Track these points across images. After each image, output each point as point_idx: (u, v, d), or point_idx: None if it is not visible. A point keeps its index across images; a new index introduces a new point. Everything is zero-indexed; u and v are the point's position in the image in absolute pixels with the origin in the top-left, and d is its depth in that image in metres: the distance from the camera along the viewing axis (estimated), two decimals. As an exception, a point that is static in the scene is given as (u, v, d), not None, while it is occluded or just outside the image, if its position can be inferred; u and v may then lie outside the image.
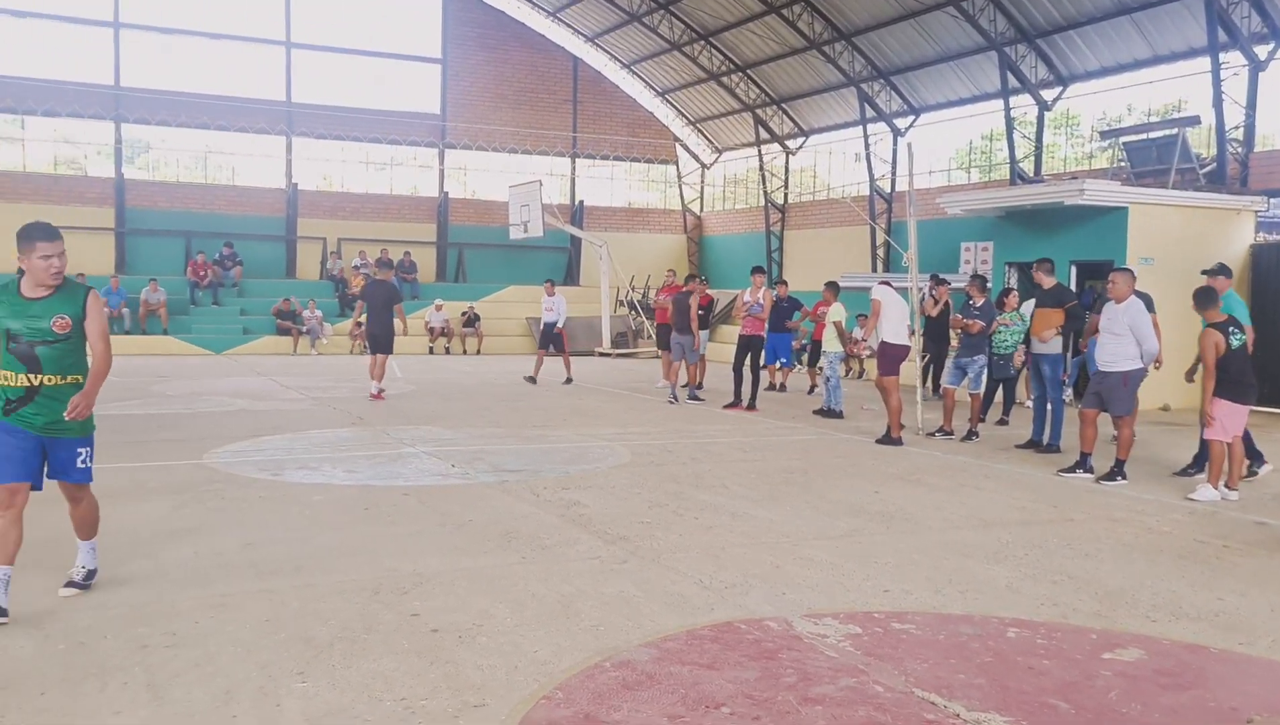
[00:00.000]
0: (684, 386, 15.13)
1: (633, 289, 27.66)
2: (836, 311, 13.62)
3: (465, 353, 24.90)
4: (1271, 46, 16.81)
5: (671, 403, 14.41)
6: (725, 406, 13.92)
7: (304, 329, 23.55)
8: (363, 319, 15.74)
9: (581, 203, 30.27)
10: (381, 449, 9.89)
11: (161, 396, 14.11)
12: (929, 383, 14.76)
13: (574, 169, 30.98)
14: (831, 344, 13.57)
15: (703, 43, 27.26)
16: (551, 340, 17.06)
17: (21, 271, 4.73)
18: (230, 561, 5.74)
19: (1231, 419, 8.19)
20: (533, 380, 16.73)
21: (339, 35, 27.63)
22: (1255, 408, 8.77)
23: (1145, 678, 4.27)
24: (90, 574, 5.14)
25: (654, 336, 18.46)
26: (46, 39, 24.89)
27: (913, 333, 11.60)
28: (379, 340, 14.26)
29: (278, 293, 24.80)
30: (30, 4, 24.60)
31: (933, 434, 11.59)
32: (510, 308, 26.98)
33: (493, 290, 27.55)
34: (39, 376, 4.64)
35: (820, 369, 15.49)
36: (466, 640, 4.51)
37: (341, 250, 27.11)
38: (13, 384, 4.63)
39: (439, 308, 24.89)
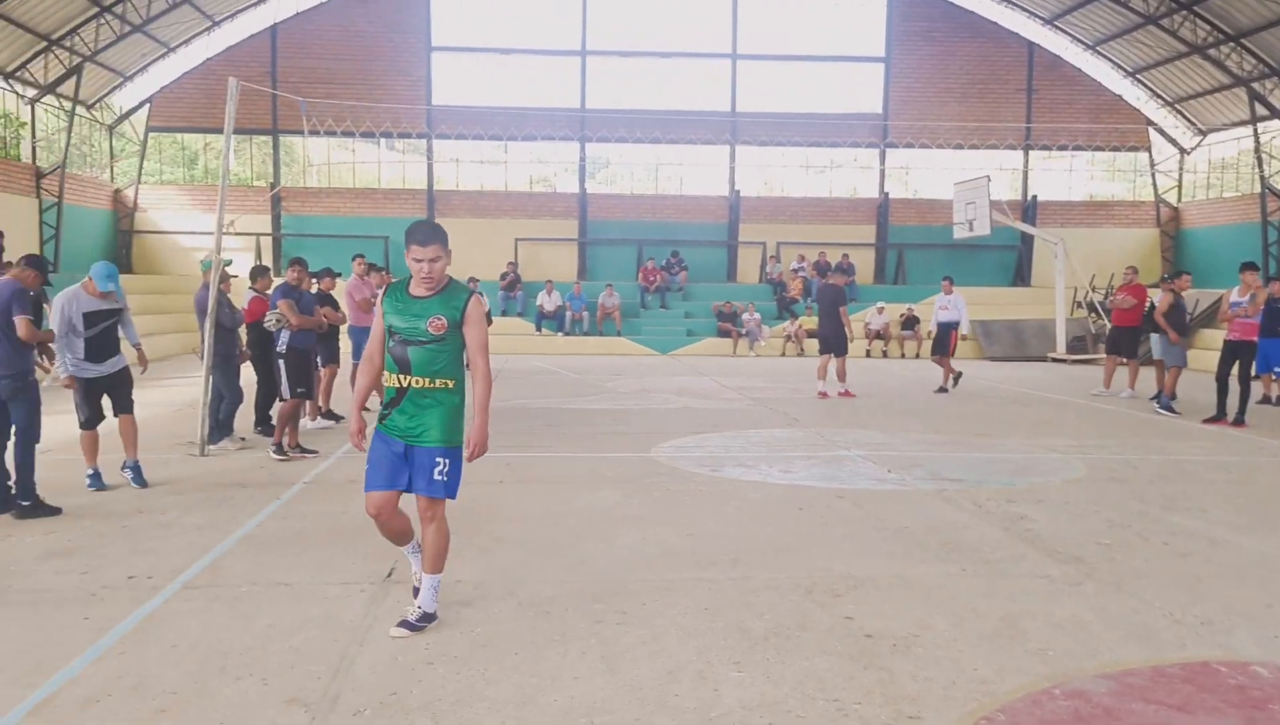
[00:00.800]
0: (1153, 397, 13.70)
1: (1093, 289, 25.46)
2: None
3: (903, 356, 24.42)
4: None
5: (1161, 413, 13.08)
6: (1205, 421, 12.30)
7: (743, 331, 24.45)
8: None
9: (1034, 198, 28.44)
10: (817, 450, 9.93)
11: (614, 393, 15.31)
12: None
13: (1026, 162, 29.19)
14: None
15: (1184, 13, 24.37)
16: (942, 344, 16.02)
17: None
18: (673, 549, 6.04)
19: None
20: (943, 390, 15.77)
21: (782, 43, 28.35)
22: None
23: None
24: (427, 618, 4.55)
25: (1107, 339, 16.79)
26: (525, 72, 28.13)
27: None
28: (827, 341, 14.66)
29: (719, 297, 26.01)
30: (514, 42, 27.93)
31: None
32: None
33: (934, 292, 26.68)
34: (408, 377, 4.40)
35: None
36: (901, 649, 4.36)
37: (780, 254, 27.78)
38: (389, 385, 4.46)
39: (880, 310, 24.65)
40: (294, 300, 9.41)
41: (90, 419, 7.70)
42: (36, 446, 6.88)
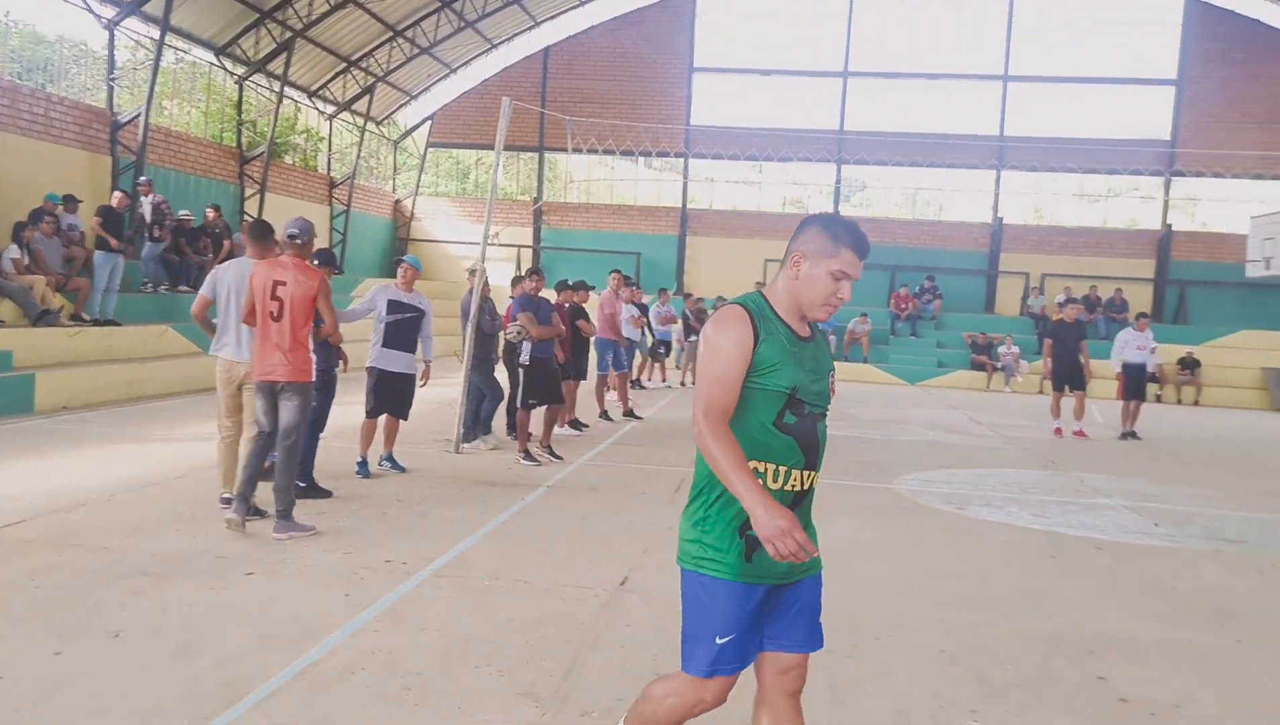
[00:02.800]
0: None
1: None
2: None
3: (1180, 402, 22.48)
4: None
5: None
6: None
7: (999, 365, 23.31)
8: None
9: (1341, 235, 25.48)
10: (1074, 496, 9.30)
11: (857, 420, 14.97)
12: None
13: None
14: None
15: None
16: (1139, 386, 14.45)
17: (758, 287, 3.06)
18: (911, 586, 5.81)
19: None
20: (1132, 435, 14.21)
21: (1058, 64, 26.89)
22: None
23: None
24: None
25: None
26: (784, 93, 28.10)
27: None
28: (1069, 378, 14.04)
29: (975, 327, 24.94)
30: (775, 63, 28.00)
31: None
32: (1240, 356, 23.67)
33: (1220, 334, 24.46)
34: (811, 474, 2.77)
35: None
36: (1160, 717, 3.99)
37: (1044, 286, 26.31)
38: (775, 487, 2.68)
39: (1151, 350, 22.79)
40: (533, 311, 9.65)
41: (375, 409, 8.44)
42: (320, 434, 7.58)
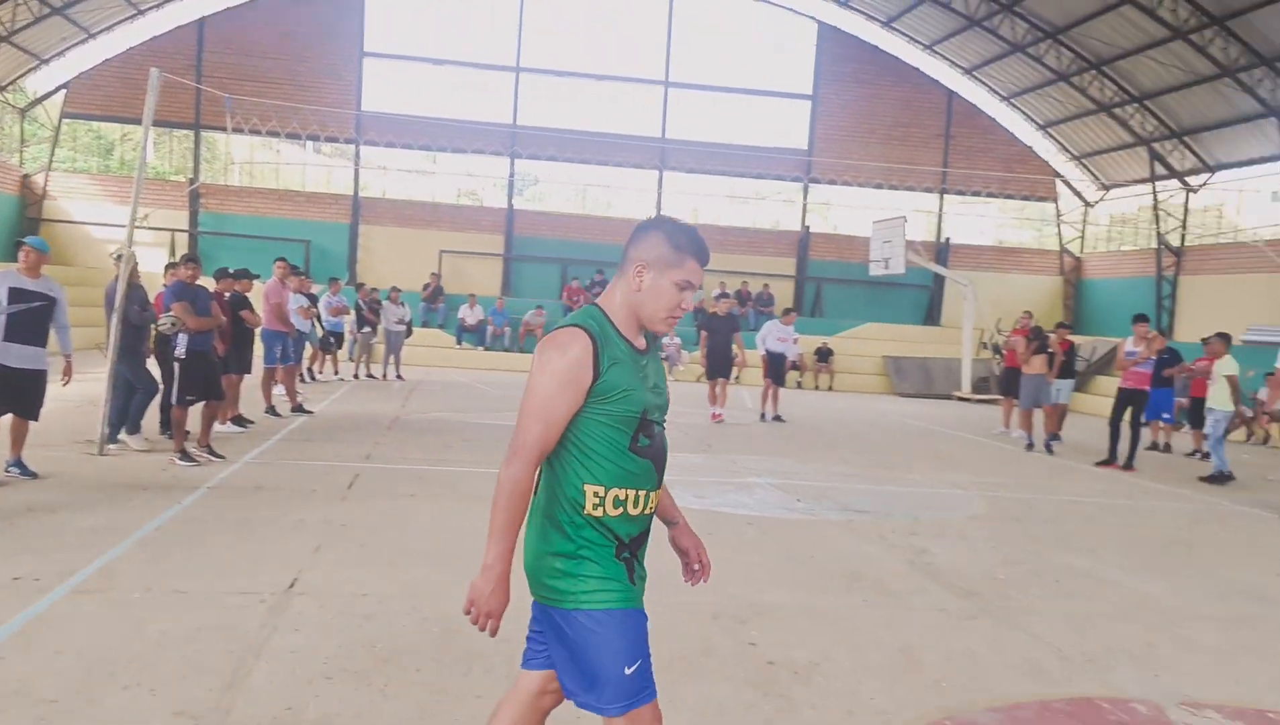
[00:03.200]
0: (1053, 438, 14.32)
1: (998, 332, 26.28)
2: (1228, 365, 12.14)
3: (817, 388, 24.84)
4: None
5: (1040, 451, 13.61)
6: (1098, 464, 12.79)
7: (663, 355, 24.63)
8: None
9: (948, 240, 29.26)
10: (728, 477, 10.04)
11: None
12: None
13: (941, 205, 30.02)
14: (1220, 402, 12.13)
15: (1094, 72, 25.43)
16: (779, 372, 15.96)
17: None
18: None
19: None
20: (766, 417, 15.62)
21: (713, 74, 28.74)
22: None
23: None
24: None
25: (1001, 380, 17.34)
26: (458, 84, 28.01)
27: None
28: (717, 366, 15.22)
29: (642, 319, 26.13)
30: (448, 53, 27.81)
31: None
32: (866, 345, 26.57)
33: (849, 326, 27.30)
34: (656, 494, 2.72)
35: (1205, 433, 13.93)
36: (802, 678, 4.43)
37: (703, 281, 28.02)
38: (638, 512, 2.64)
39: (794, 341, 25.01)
40: (189, 300, 8.94)
41: None
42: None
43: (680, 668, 4.44)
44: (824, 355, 25.21)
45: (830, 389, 24.75)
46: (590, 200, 29.75)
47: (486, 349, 24.39)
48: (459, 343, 24.50)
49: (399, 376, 19.13)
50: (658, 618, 5.08)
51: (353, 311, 19.66)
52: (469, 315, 24.70)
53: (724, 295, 16.51)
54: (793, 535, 7.42)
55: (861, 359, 26.03)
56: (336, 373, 18.69)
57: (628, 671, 2.53)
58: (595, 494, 2.54)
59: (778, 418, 15.64)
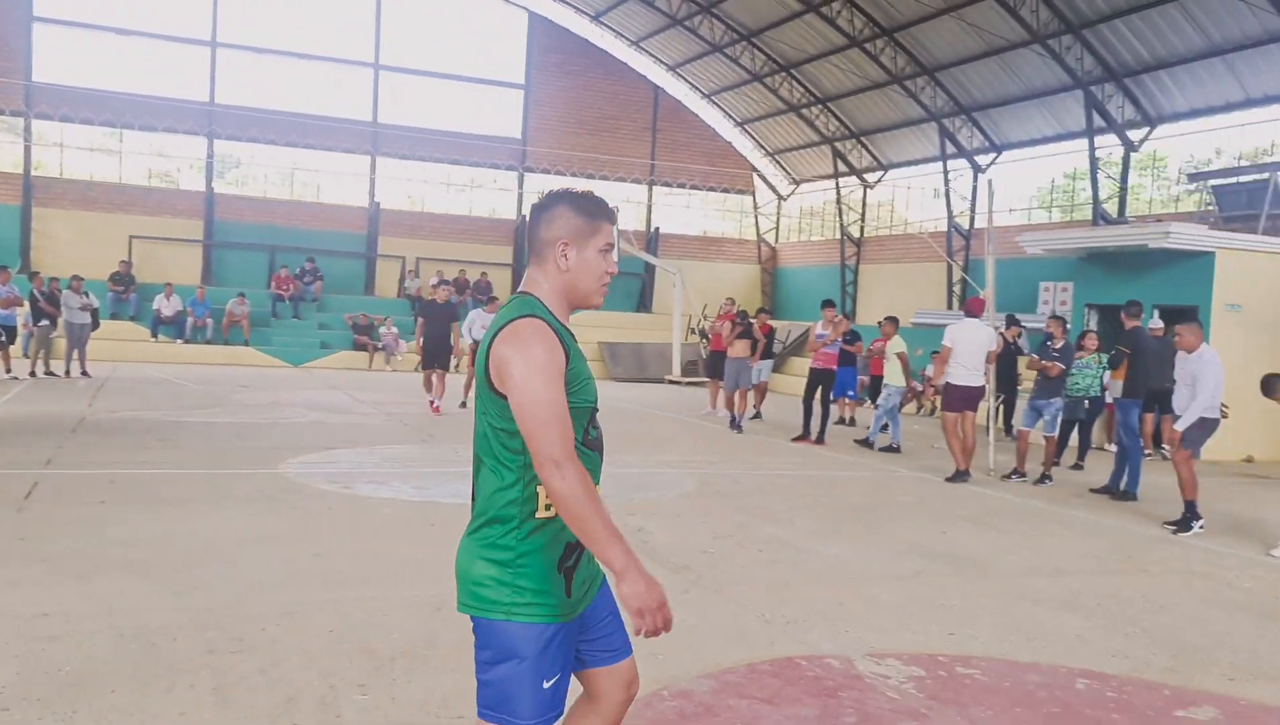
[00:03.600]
0: (752, 416, 15.28)
1: (705, 317, 27.70)
2: (897, 344, 13.49)
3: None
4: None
5: (736, 431, 14.44)
6: (794, 439, 13.82)
7: (380, 345, 24.01)
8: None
9: (657, 230, 30.43)
10: (450, 466, 10.00)
11: (241, 405, 14.47)
12: (1001, 424, 14.51)
13: (651, 196, 31.18)
14: (893, 377, 13.47)
15: (784, 74, 27.30)
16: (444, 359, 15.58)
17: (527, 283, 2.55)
18: (300, 570, 5.85)
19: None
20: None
21: (426, 59, 28.27)
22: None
23: (1221, 740, 4.12)
24: None
25: (707, 363, 18.39)
26: (146, 56, 25.88)
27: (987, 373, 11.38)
28: (435, 356, 14.84)
29: (357, 309, 25.38)
30: (133, 23, 25.62)
31: (1007, 477, 11.35)
32: (582, 332, 26.98)
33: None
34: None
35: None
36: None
37: (420, 269, 27.61)
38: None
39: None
40: None
41: None
42: None
43: (403, 664, 4.42)
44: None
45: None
46: (299, 185, 28.43)
47: (186, 342, 22.76)
48: (154, 336, 22.70)
49: (84, 372, 17.51)
50: (378, 613, 5.04)
51: (26, 303, 17.75)
52: (165, 306, 22.91)
53: (442, 282, 16.30)
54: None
55: (580, 346, 26.50)
56: (9, 371, 16.82)
57: (546, 685, 2.37)
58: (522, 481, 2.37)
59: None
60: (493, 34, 29.05)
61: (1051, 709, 4.33)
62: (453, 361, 15.23)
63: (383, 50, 27.88)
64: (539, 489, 2.35)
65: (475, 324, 15.68)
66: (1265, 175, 16.47)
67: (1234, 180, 17.35)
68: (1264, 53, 17.57)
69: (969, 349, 10.90)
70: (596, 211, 2.48)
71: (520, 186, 29.61)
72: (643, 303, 30.00)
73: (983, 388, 11.10)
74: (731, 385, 15.13)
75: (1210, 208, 17.47)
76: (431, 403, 14.78)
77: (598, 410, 2.52)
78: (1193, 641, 5.46)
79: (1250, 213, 16.21)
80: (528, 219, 2.51)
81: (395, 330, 24.28)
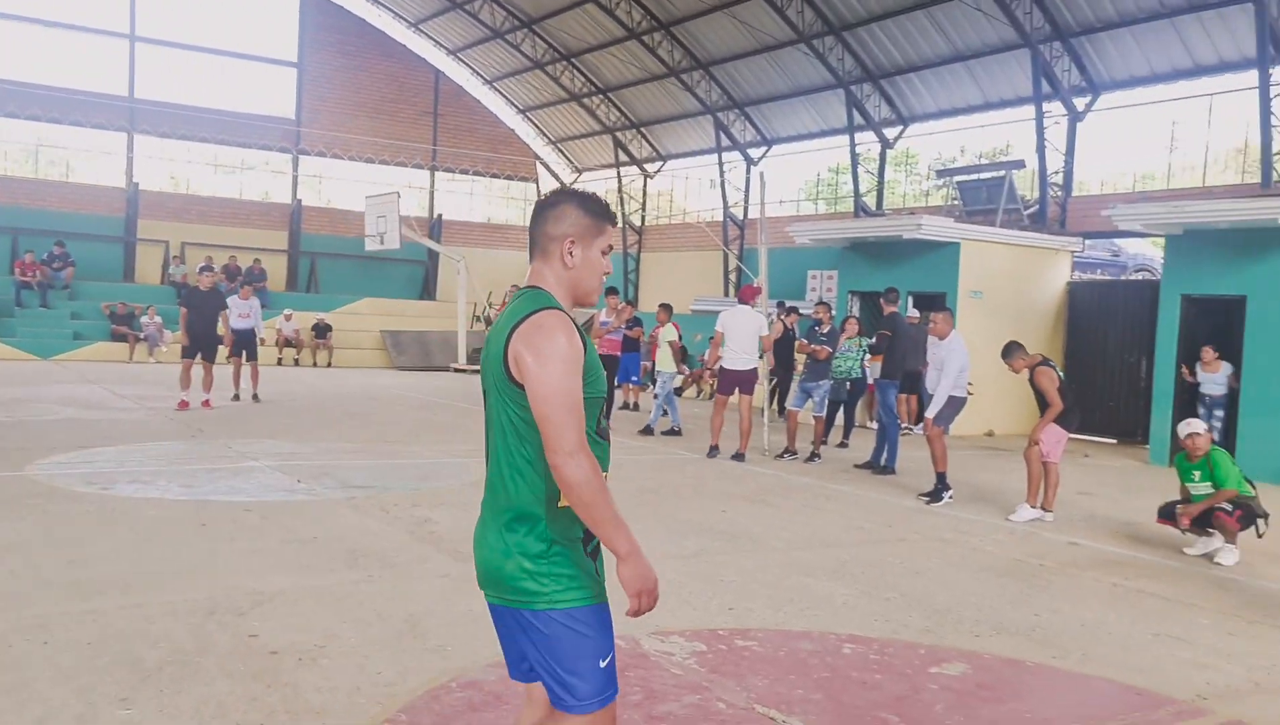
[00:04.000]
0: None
1: (490, 305, 27.53)
2: (668, 332, 13.89)
3: (315, 364, 24.20)
4: (1089, 99, 18.14)
5: None
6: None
7: (142, 336, 22.45)
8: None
9: (440, 217, 29.93)
10: (222, 462, 9.52)
11: (-22, 404, 13.21)
12: (775, 405, 15.22)
13: (433, 182, 30.63)
14: (664, 364, 13.80)
15: (565, 63, 27.43)
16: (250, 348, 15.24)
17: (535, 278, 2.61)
18: (51, 581, 5.43)
19: (1059, 443, 8.77)
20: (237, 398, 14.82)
21: (188, 31, 26.58)
22: (1074, 435, 9.39)
23: (969, 691, 4.52)
24: None
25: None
26: None
27: (761, 356, 11.91)
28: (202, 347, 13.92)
29: (115, 297, 23.56)
30: None
31: (780, 456, 11.93)
32: (364, 320, 26.41)
33: (346, 301, 26.92)
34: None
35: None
36: (308, 662, 4.40)
37: (185, 255, 25.98)
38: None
39: (288, 317, 24.13)
40: None
41: None
42: None
43: (172, 672, 4.19)
44: (321, 331, 24.62)
45: (330, 365, 24.26)
46: (45, 163, 26.10)
47: (-92, 335, 20.49)
48: None
49: None
50: (143, 621, 4.75)
51: None
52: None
53: (207, 268, 15.38)
54: (295, 518, 7.26)
55: (360, 334, 25.83)
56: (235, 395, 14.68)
57: (603, 665, 2.47)
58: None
59: (255, 397, 14.92)
60: (263, 8, 27.65)
61: (822, 674, 4.61)
62: (221, 352, 14.36)
63: (140, 20, 25.98)
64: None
65: (232, 312, 14.70)
66: (1002, 173, 17.98)
67: (975, 177, 18.82)
68: (1000, 60, 19.17)
69: (739, 334, 11.37)
70: (601, 213, 2.57)
71: (295, 169, 28.37)
72: (426, 290, 29.46)
73: (754, 371, 11.56)
74: None
75: (956, 202, 18.91)
76: (183, 401, 13.70)
77: (607, 401, 2.61)
78: (944, 603, 5.95)
79: (990, 207, 17.67)
80: (533, 215, 2.59)
81: (159, 319, 22.74)
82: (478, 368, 18.37)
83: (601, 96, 28.03)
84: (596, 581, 2.53)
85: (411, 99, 29.65)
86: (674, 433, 13.52)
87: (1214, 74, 16.84)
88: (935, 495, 9.38)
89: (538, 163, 32.14)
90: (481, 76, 30.32)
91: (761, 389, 12.89)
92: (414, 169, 29.89)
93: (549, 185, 32.55)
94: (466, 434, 12.70)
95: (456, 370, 24.55)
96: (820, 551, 7.14)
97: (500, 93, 30.77)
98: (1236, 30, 15.74)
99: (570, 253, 2.52)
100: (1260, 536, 7.47)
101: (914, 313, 14.25)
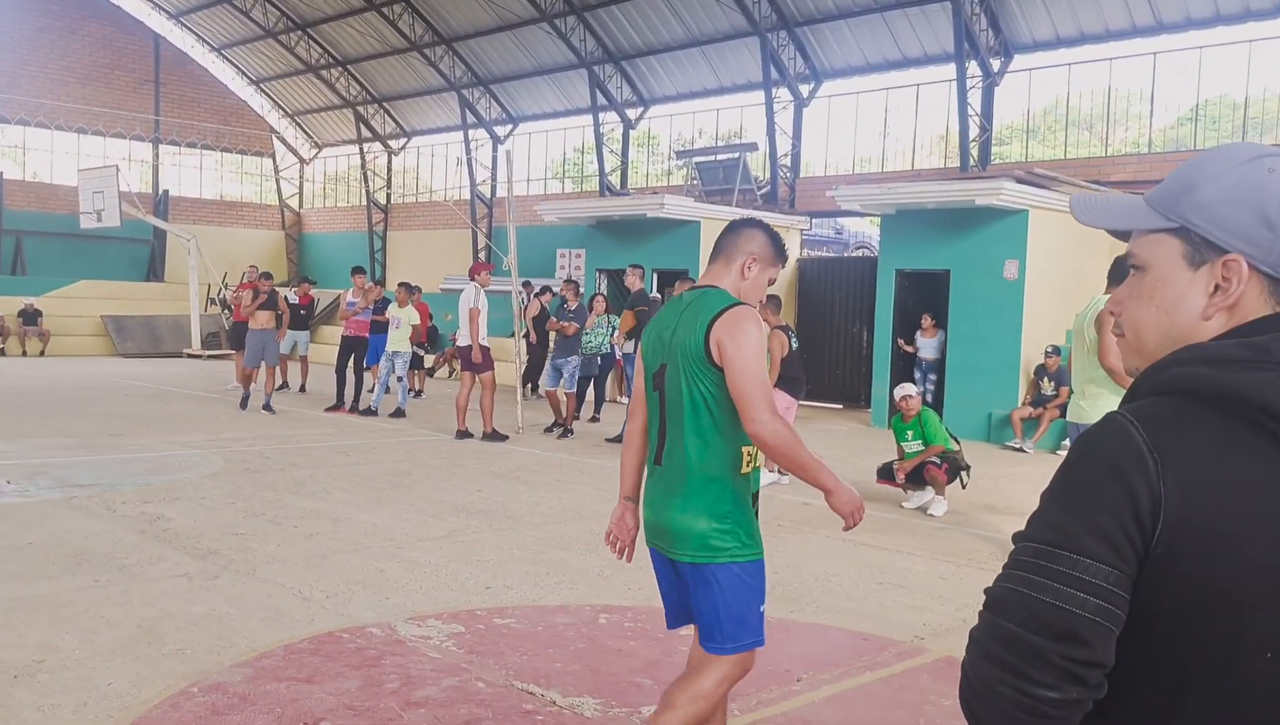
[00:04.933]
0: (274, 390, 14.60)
1: (225, 287, 25.95)
2: (410, 313, 13.52)
3: (25, 354, 21.95)
4: (813, 86, 19.33)
5: (269, 413, 13.25)
6: (327, 409, 13.49)
7: None
8: None
9: (166, 192, 27.88)
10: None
11: None
12: (529, 384, 15.32)
13: (157, 156, 28.46)
14: (397, 344, 13.34)
15: (300, 33, 26.17)
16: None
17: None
18: None
19: (789, 410, 9.34)
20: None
21: None
22: (802, 402, 10.06)
23: (715, 647, 4.77)
24: None
25: (230, 335, 17.36)
26: None
27: (513, 335, 11.95)
28: None
29: None
30: None
31: (549, 429, 12.12)
32: (81, 305, 24.18)
33: (60, 285, 24.56)
34: None
35: (423, 372, 15.68)
36: (24, 679, 4.05)
37: None
38: (749, 469, 2.97)
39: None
40: None
41: None
42: None
43: None
44: (31, 317, 22.36)
45: (42, 355, 22.09)
46: None
47: None
48: None
49: None
50: None
51: None
52: None
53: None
54: (4, 522, 6.62)
55: (77, 320, 23.66)
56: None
57: (761, 610, 2.89)
58: (748, 454, 2.88)
59: None
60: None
61: (579, 645, 4.74)
62: None
63: None
64: (744, 449, 2.87)
65: None
66: (737, 155, 18.85)
67: (713, 158, 19.62)
68: (733, 47, 20.05)
69: (460, 311, 11.44)
70: (781, 251, 3.10)
71: (-10, 139, 25.58)
72: (153, 271, 27.42)
73: (469, 347, 11.32)
74: (254, 361, 14.07)
75: (695, 182, 19.65)
76: None
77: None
78: (692, 566, 6.23)
79: (727, 187, 18.49)
80: (728, 227, 3.08)
81: None
82: (214, 353, 17.41)
83: (341, 69, 26.98)
84: (760, 540, 2.93)
85: (128, 65, 27.36)
86: (399, 413, 13.17)
87: (920, 66, 18.36)
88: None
89: (273, 136, 30.55)
90: (208, 44, 28.42)
91: (513, 367, 12.93)
92: (135, 141, 27.68)
93: (287, 160, 31.05)
94: (204, 423, 11.98)
95: (190, 356, 23.03)
96: (576, 525, 7.30)
97: (231, 62, 28.96)
98: (937, 27, 17.20)
99: (749, 268, 3.01)
100: (964, 487, 8.31)
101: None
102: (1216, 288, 1.17)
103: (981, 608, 1.18)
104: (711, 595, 2.84)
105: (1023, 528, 1.19)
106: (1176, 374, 1.14)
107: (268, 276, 13.96)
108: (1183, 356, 1.16)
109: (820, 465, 2.83)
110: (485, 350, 11.36)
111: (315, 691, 4.03)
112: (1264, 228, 1.14)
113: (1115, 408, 1.18)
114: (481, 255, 25.05)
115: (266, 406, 13.20)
